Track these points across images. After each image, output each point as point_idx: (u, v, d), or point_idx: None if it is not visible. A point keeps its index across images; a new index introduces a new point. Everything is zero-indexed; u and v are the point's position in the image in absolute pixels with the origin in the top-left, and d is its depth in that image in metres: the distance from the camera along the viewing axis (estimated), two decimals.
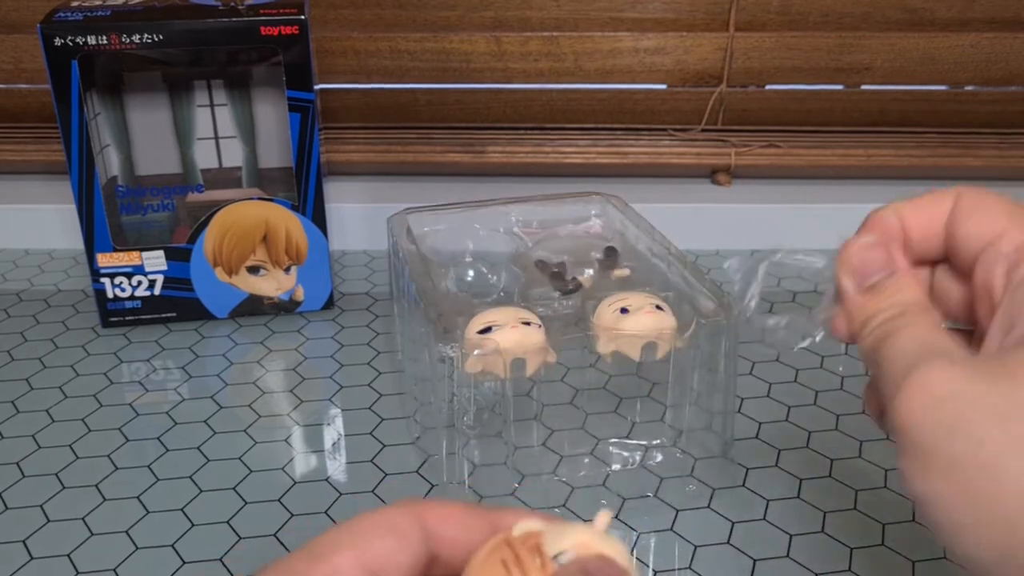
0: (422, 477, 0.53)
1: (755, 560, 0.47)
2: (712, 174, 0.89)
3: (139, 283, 0.68)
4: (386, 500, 0.51)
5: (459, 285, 0.58)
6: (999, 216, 0.30)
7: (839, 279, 0.32)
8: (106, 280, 0.67)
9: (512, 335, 0.46)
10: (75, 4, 0.63)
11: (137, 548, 0.48)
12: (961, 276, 0.32)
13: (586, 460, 0.54)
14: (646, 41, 0.84)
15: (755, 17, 0.84)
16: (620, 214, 0.62)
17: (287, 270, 0.70)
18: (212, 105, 0.72)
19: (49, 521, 0.50)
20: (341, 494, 0.52)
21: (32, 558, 0.47)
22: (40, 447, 0.56)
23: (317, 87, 0.66)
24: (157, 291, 0.68)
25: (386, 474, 0.53)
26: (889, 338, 0.29)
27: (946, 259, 0.33)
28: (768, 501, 0.51)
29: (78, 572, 0.46)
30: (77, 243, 0.67)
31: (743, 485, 0.52)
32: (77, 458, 0.55)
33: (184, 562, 0.47)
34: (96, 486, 0.52)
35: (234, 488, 0.52)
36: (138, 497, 0.51)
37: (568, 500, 0.51)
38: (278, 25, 0.61)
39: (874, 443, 0.56)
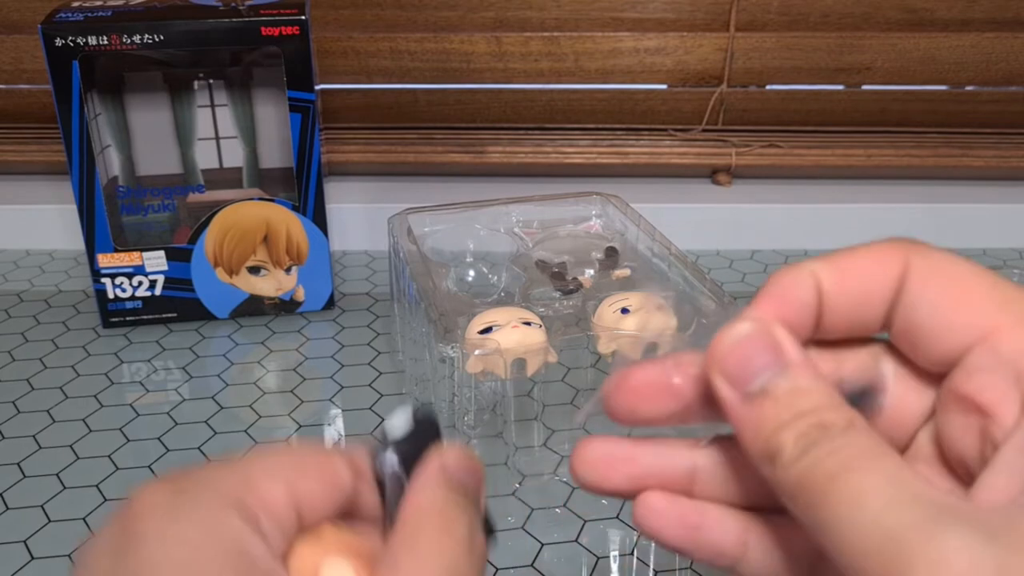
0: None
1: None
2: (713, 174, 0.89)
3: (140, 283, 0.68)
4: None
5: (460, 285, 0.58)
6: (986, 303, 0.22)
7: (713, 384, 0.23)
8: (107, 280, 0.67)
9: (513, 335, 0.46)
10: (76, 4, 0.63)
11: None
12: (909, 370, 0.24)
13: None
14: (647, 41, 0.84)
15: (756, 17, 0.84)
16: (621, 214, 0.62)
17: (288, 270, 0.70)
18: (213, 105, 0.72)
19: (50, 521, 0.50)
20: None
21: (33, 558, 0.47)
22: (41, 447, 0.56)
23: (318, 87, 0.66)
24: (158, 291, 0.68)
25: None
26: (833, 482, 0.20)
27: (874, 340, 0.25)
28: None
29: None
30: (78, 243, 0.67)
31: None
32: (78, 458, 0.55)
33: None
34: (97, 486, 0.52)
35: None
36: None
37: (569, 500, 0.51)
38: (279, 25, 0.61)
39: None
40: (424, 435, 0.26)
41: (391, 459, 0.26)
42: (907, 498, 0.19)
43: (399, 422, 0.26)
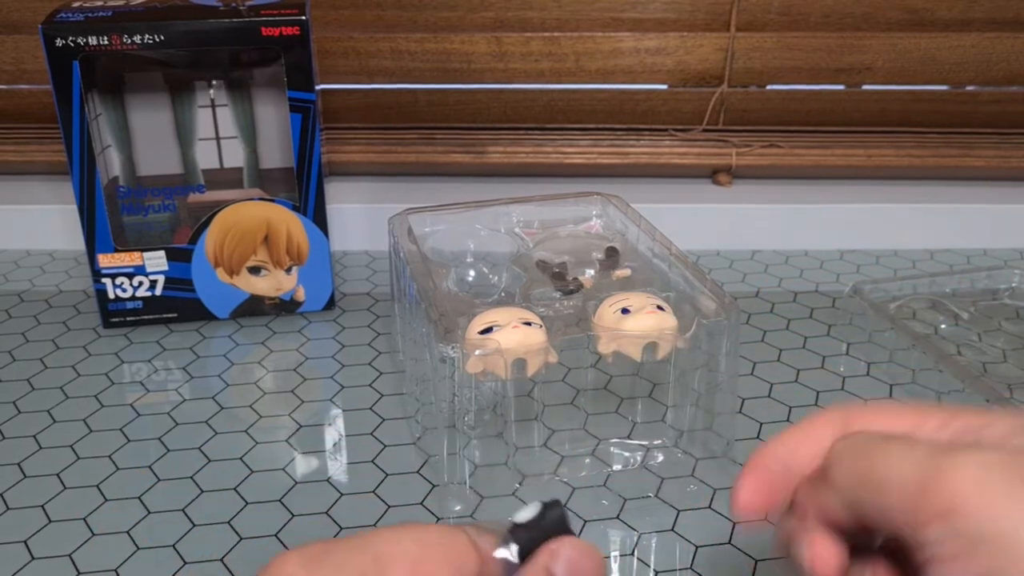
0: (423, 477, 0.53)
1: (756, 560, 0.47)
2: (713, 174, 0.89)
3: (140, 283, 0.68)
4: (387, 501, 0.51)
5: (460, 285, 0.58)
6: (904, 415, 0.30)
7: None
8: (107, 280, 0.67)
9: (513, 335, 0.46)
10: (76, 5, 0.63)
11: (138, 548, 0.48)
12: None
13: (587, 460, 0.54)
14: (647, 41, 0.84)
15: (756, 17, 0.84)
16: (621, 214, 0.62)
17: (288, 270, 0.70)
18: (213, 105, 0.72)
19: (50, 521, 0.50)
20: (342, 494, 0.52)
21: (33, 558, 0.47)
22: (41, 447, 0.56)
23: (318, 87, 0.66)
24: (158, 292, 0.68)
25: (387, 474, 0.53)
26: (876, 463, 0.27)
27: None
28: None
29: (79, 572, 0.46)
30: (78, 244, 0.67)
31: None
32: (78, 458, 0.55)
33: (185, 562, 0.47)
34: (97, 486, 0.52)
35: (235, 488, 0.52)
36: (139, 497, 0.51)
37: (569, 500, 0.51)
38: (279, 26, 0.61)
39: None
40: (548, 524, 0.26)
41: (511, 546, 0.26)
42: (922, 447, 0.26)
43: (527, 510, 0.26)
